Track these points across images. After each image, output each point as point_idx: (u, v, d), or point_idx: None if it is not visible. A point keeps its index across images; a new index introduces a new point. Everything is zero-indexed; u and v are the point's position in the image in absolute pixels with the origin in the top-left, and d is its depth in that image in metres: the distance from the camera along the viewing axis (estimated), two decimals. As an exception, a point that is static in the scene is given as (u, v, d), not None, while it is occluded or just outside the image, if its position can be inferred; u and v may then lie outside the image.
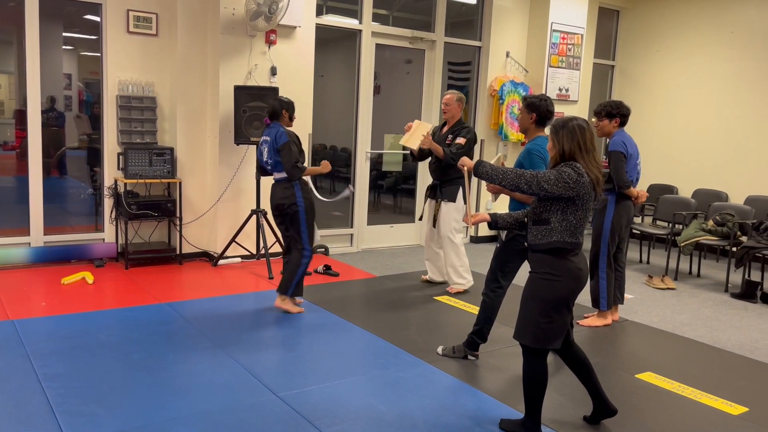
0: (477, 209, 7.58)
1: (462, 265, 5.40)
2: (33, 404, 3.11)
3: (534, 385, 2.97)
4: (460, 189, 5.27)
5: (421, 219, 5.62)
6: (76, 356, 3.72)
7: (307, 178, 4.85)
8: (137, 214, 5.64)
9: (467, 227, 7.70)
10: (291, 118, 4.66)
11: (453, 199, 5.29)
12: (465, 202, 5.32)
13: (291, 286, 4.66)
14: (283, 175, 4.55)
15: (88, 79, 6.10)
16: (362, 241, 7.05)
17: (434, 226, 5.43)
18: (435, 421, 3.15)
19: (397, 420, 3.14)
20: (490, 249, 4.17)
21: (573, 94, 7.89)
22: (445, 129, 5.30)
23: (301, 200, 4.55)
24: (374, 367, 3.81)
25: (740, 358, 4.26)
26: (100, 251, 5.78)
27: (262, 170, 4.83)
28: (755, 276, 6.03)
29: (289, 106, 4.62)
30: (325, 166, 4.80)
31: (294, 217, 4.58)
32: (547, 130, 3.28)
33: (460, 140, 5.12)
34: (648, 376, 3.82)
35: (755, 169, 7.31)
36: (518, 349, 3.08)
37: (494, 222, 3.27)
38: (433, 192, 5.42)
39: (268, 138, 4.58)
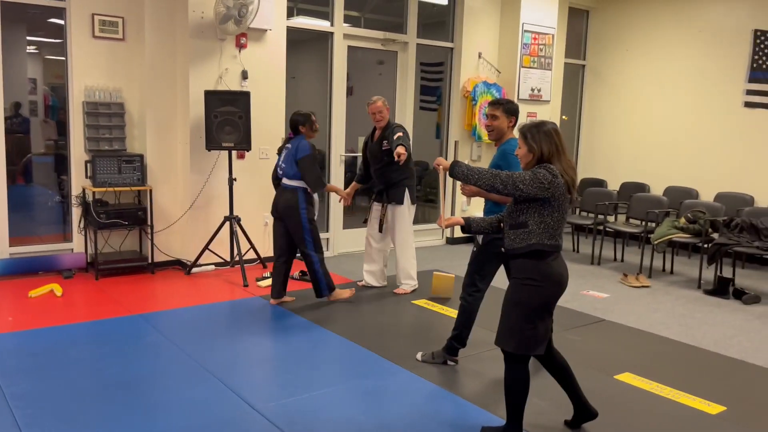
0: (452, 212, 7.57)
1: (413, 268, 5.47)
2: None
3: (516, 391, 2.95)
4: (407, 190, 5.28)
5: (365, 222, 5.57)
6: (45, 373, 3.61)
7: (315, 195, 4.97)
8: (107, 223, 5.51)
9: (442, 230, 7.69)
10: (312, 130, 4.87)
11: (401, 202, 5.29)
12: (413, 203, 5.34)
13: (322, 287, 4.95)
14: (293, 183, 4.78)
15: (53, 84, 5.94)
16: (338, 245, 6.99)
17: (380, 230, 5.41)
18: (416, 428, 3.12)
19: (376, 428, 3.10)
20: (466, 251, 4.16)
21: (545, 94, 7.93)
22: (377, 135, 5.28)
23: (303, 208, 4.77)
24: (353, 376, 3.76)
25: (715, 355, 4.30)
26: (69, 262, 5.63)
27: (276, 179, 5.01)
28: (727, 272, 6.12)
29: (306, 120, 4.82)
30: (346, 194, 5.38)
31: (297, 224, 4.79)
32: (516, 133, 3.27)
33: (398, 133, 5.06)
34: (626, 377, 3.83)
35: (724, 167, 7.42)
36: (498, 353, 3.05)
37: (468, 226, 3.26)
38: (379, 196, 5.39)
39: (290, 146, 4.83)
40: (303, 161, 4.71)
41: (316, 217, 4.93)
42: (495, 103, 3.89)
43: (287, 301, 5.06)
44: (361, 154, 5.61)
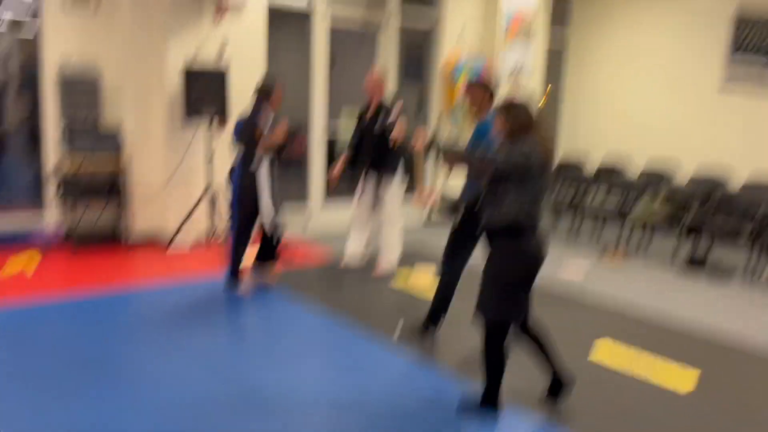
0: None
1: (398, 243, 5.47)
2: (-27, 404, 2.98)
3: (494, 362, 3.00)
4: (400, 166, 5.26)
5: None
6: (17, 353, 3.57)
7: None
8: (83, 198, 5.42)
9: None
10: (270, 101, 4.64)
11: (394, 176, 5.28)
12: (403, 180, 5.32)
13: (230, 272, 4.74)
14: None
15: (27, 59, 5.78)
16: (318, 222, 6.97)
17: (374, 203, 5.38)
18: (393, 403, 3.15)
19: (354, 404, 3.12)
20: (445, 230, 4.16)
21: (527, 69, 7.89)
22: (372, 110, 5.22)
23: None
24: (330, 352, 3.78)
25: (689, 331, 4.38)
26: (45, 236, 5.54)
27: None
28: (702, 250, 6.20)
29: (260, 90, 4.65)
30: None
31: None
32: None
33: (396, 107, 5.06)
34: (601, 354, 3.89)
35: (701, 147, 7.47)
36: (475, 326, 3.08)
37: (446, 204, 3.27)
38: (371, 171, 5.33)
39: None
40: None
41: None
42: (472, 83, 3.91)
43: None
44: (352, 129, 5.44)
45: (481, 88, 3.84)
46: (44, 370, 3.34)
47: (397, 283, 5.13)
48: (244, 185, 4.59)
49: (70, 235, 5.52)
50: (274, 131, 4.54)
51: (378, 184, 5.32)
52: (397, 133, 4.82)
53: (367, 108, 5.30)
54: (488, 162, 2.82)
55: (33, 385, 3.18)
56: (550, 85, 8.72)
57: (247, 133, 4.58)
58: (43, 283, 4.74)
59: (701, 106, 7.50)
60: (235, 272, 4.70)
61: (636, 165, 7.96)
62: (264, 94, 4.63)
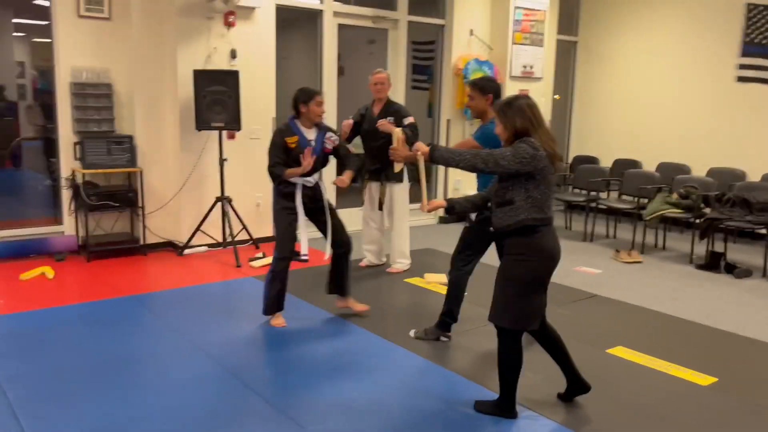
0: (445, 194, 7.55)
1: (407, 246, 5.47)
2: (-8, 407, 3.00)
3: (510, 366, 2.97)
4: (404, 168, 5.15)
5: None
6: (37, 355, 3.60)
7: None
8: (97, 205, 5.47)
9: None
10: (298, 111, 4.02)
11: (400, 180, 5.25)
12: (410, 181, 5.29)
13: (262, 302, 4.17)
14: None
15: (42, 67, 5.86)
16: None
17: (380, 209, 5.36)
18: (409, 405, 3.13)
19: (370, 406, 3.11)
20: (457, 230, 4.15)
21: (537, 71, 7.88)
22: (378, 110, 5.16)
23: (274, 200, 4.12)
24: (345, 354, 3.76)
25: (706, 328, 4.33)
26: (60, 244, 5.59)
27: None
28: (719, 247, 6.13)
29: (294, 101, 4.04)
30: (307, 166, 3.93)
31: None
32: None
33: (411, 119, 5.00)
34: (619, 351, 3.85)
35: (715, 142, 7.41)
36: (490, 328, 3.06)
37: (451, 207, 3.26)
38: (376, 175, 5.28)
39: None
40: None
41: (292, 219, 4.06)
42: (470, 84, 3.89)
43: (350, 307, 4.39)
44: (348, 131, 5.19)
45: (476, 89, 3.82)
46: (64, 370, 3.36)
47: (412, 281, 5.12)
48: (276, 209, 4.11)
49: (85, 243, 5.56)
50: (304, 157, 3.89)
51: (384, 188, 5.29)
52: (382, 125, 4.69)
53: (370, 109, 5.19)
54: (492, 162, 2.80)
55: (53, 385, 3.20)
56: (557, 96, 8.69)
57: (272, 153, 4.00)
58: (60, 289, 4.79)
59: (717, 101, 7.42)
60: (267, 308, 4.15)
61: (651, 161, 7.90)
62: (293, 106, 4.05)
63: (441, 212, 7.69)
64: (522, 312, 2.88)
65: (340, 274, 4.32)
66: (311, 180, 4.10)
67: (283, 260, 4.05)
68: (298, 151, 3.94)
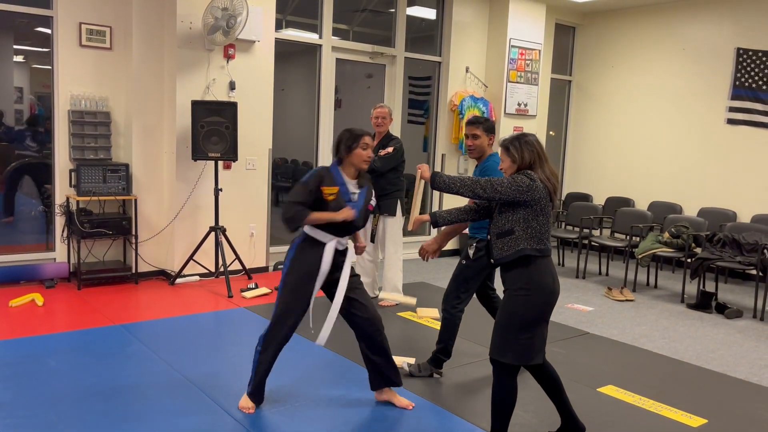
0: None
1: (399, 280, 5.48)
2: (-24, 436, 2.96)
3: (505, 403, 2.95)
4: (398, 202, 5.30)
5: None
6: (24, 383, 3.56)
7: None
8: (90, 233, 5.46)
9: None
10: (342, 156, 3.27)
11: (393, 213, 5.31)
12: (403, 214, 5.35)
13: (249, 382, 3.39)
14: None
15: (40, 93, 5.91)
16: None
17: (372, 241, 5.42)
18: (399, 442, 3.10)
19: (360, 442, 3.08)
20: (451, 264, 4.16)
21: (531, 109, 8.00)
22: (375, 143, 5.26)
23: (290, 254, 3.32)
24: (336, 388, 3.74)
25: (697, 368, 4.33)
26: (51, 271, 5.57)
27: None
28: (710, 287, 6.17)
29: (337, 144, 3.29)
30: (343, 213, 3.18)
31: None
32: (497, 148, 3.30)
33: (389, 149, 5.17)
34: (609, 390, 3.84)
35: (706, 182, 7.50)
36: (482, 365, 3.05)
37: (434, 221, 3.31)
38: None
39: None
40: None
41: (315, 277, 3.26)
42: (474, 123, 3.91)
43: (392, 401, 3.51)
44: None
45: (482, 128, 3.88)
46: (52, 399, 3.32)
47: (404, 315, 5.11)
48: (292, 267, 3.30)
49: (77, 270, 5.53)
50: (339, 209, 3.18)
51: (377, 220, 5.34)
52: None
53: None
54: (490, 189, 2.86)
55: (40, 414, 3.16)
56: (552, 132, 8.81)
57: (298, 192, 3.19)
58: (50, 316, 4.75)
59: (708, 142, 7.54)
60: (255, 389, 3.37)
61: (643, 200, 7.98)
62: (335, 152, 3.32)
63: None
64: (524, 346, 2.88)
65: (385, 358, 3.42)
66: (344, 242, 3.30)
67: (275, 341, 3.28)
68: (337, 204, 3.17)
